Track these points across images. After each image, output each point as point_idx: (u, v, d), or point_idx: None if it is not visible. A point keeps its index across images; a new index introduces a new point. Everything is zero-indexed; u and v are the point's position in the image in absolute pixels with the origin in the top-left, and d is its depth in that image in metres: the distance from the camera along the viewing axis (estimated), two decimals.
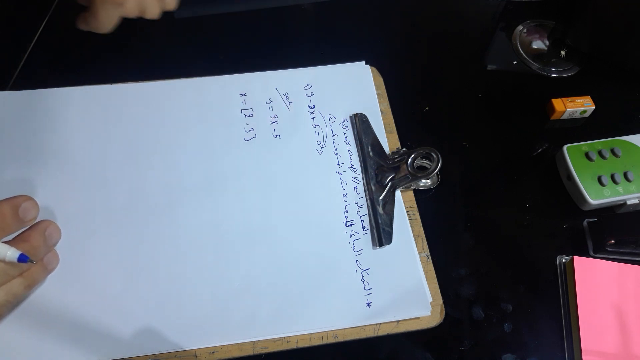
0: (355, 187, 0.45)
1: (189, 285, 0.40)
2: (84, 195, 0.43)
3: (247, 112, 0.48)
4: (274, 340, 0.38)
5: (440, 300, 0.40)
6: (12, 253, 0.32)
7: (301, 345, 0.38)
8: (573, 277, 0.41)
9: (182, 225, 0.42)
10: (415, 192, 0.45)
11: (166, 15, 0.44)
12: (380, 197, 0.44)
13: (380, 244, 0.42)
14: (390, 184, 0.44)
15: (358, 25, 0.58)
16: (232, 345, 0.38)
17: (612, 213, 0.46)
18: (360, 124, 0.47)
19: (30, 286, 0.36)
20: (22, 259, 0.33)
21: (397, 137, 0.48)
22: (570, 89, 0.53)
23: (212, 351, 0.37)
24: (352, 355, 0.39)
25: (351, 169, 0.46)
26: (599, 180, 0.44)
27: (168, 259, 0.41)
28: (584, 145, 0.46)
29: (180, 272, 0.40)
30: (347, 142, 0.47)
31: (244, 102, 0.49)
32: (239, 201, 0.43)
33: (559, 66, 0.55)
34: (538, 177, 0.47)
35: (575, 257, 0.41)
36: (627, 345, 0.38)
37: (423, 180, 0.45)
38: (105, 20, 0.39)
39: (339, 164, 0.46)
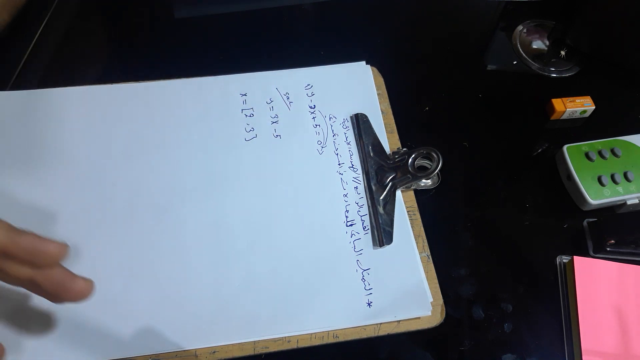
0: (356, 187, 0.45)
1: (189, 284, 0.40)
2: (84, 195, 0.43)
3: (248, 112, 0.48)
4: (274, 340, 0.38)
5: (440, 300, 0.40)
6: None
7: (302, 345, 0.38)
8: (573, 277, 0.41)
9: (183, 225, 0.42)
10: (416, 192, 0.45)
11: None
12: (381, 197, 0.44)
13: (381, 244, 0.42)
14: (390, 184, 0.44)
15: (358, 25, 0.58)
16: (233, 345, 0.38)
17: (612, 213, 0.46)
18: (360, 124, 0.47)
19: None
20: None
21: (397, 137, 0.48)
22: (570, 89, 0.53)
23: (213, 351, 0.37)
24: (352, 355, 0.39)
25: (352, 169, 0.46)
26: (599, 180, 0.45)
27: (168, 258, 0.41)
28: (584, 145, 0.46)
29: (180, 271, 0.40)
30: (348, 142, 0.47)
31: (245, 102, 0.49)
32: (239, 201, 0.43)
33: (559, 66, 0.55)
34: (538, 177, 0.47)
35: (575, 257, 0.41)
36: (627, 345, 0.38)
37: (423, 180, 0.45)
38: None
39: (339, 164, 0.46)
